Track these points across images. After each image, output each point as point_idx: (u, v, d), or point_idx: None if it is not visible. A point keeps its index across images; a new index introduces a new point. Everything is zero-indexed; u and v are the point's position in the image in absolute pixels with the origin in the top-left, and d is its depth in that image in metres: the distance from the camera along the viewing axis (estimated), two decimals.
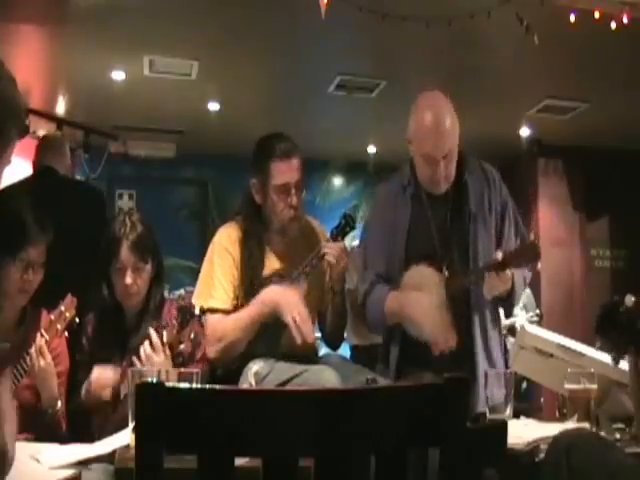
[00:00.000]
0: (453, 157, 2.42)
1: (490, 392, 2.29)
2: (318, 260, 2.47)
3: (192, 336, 2.34)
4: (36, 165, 3.79)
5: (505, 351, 2.58)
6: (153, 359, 2.23)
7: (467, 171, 2.50)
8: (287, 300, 2.38)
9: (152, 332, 2.27)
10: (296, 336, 2.34)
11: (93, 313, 2.49)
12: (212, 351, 2.43)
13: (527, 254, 2.33)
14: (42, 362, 2.24)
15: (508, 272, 2.29)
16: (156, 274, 2.47)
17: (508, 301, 2.49)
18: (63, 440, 2.08)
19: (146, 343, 2.26)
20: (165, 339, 2.27)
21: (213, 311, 2.46)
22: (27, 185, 3.65)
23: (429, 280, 2.40)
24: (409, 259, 2.47)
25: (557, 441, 1.66)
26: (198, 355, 2.40)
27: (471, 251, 2.44)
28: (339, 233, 2.49)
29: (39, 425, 2.29)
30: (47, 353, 2.26)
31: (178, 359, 2.32)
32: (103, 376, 2.31)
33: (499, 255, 2.28)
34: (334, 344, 2.72)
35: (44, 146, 3.87)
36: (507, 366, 2.53)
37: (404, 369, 2.47)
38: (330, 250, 2.44)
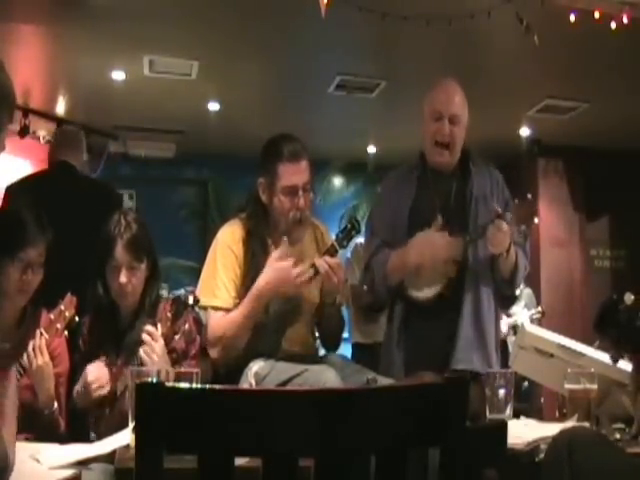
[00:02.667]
0: (459, 126, 2.66)
1: (467, 354, 2.51)
2: (314, 272, 2.44)
3: (186, 328, 2.33)
4: (51, 159, 3.72)
5: (497, 319, 2.72)
6: (155, 350, 2.21)
7: (472, 162, 2.73)
8: (279, 276, 2.39)
9: (148, 327, 2.27)
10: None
11: (88, 312, 2.48)
12: (213, 351, 2.43)
13: (524, 210, 2.58)
14: (40, 361, 2.23)
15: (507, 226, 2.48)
16: (151, 273, 2.47)
17: (512, 281, 2.64)
18: (62, 440, 2.08)
19: (146, 339, 2.25)
20: (159, 332, 2.26)
21: (215, 310, 2.46)
22: (42, 180, 3.61)
23: (434, 239, 2.60)
24: (412, 228, 2.65)
25: (558, 439, 1.66)
26: (192, 352, 2.39)
27: (471, 226, 2.62)
28: (345, 237, 2.47)
29: (37, 425, 2.29)
30: (46, 353, 2.25)
31: (172, 355, 2.31)
32: (101, 374, 2.30)
33: (498, 208, 2.48)
34: (331, 348, 2.72)
35: (59, 140, 3.81)
36: (496, 339, 2.69)
37: (409, 325, 2.64)
38: (322, 265, 2.41)
